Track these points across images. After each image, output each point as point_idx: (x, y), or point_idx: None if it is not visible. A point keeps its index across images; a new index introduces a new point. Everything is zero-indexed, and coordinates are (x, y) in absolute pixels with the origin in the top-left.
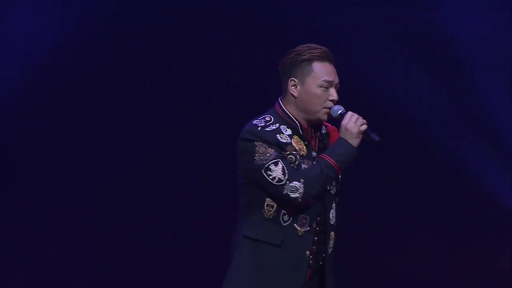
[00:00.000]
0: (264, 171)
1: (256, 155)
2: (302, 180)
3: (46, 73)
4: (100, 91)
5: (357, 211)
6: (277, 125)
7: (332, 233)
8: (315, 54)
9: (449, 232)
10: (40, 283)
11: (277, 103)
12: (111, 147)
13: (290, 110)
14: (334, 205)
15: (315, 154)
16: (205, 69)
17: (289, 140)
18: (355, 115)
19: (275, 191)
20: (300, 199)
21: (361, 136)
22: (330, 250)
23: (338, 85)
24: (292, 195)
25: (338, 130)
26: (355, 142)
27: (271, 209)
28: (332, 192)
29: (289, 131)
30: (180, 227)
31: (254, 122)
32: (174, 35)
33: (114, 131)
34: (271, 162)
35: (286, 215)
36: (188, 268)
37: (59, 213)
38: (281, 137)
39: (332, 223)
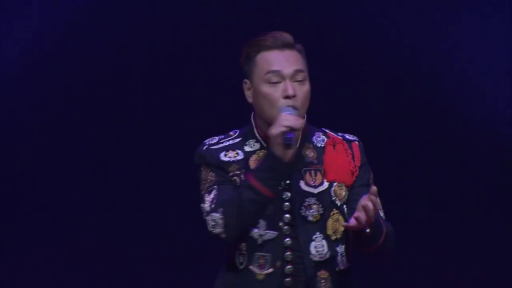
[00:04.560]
0: (201, 204)
1: (200, 183)
2: (221, 209)
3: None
4: (98, 91)
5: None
6: (239, 139)
7: (322, 272)
8: (261, 44)
9: None
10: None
11: (252, 113)
12: (106, 145)
13: (256, 119)
14: (318, 235)
15: None
16: (207, 68)
17: (238, 158)
18: (284, 116)
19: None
20: (224, 235)
21: (279, 141)
22: None
23: (302, 75)
24: (215, 231)
25: (348, 141)
26: (277, 150)
27: (230, 249)
28: (311, 218)
29: (256, 146)
30: (179, 228)
31: (206, 140)
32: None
33: (111, 130)
34: (207, 191)
35: (241, 256)
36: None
37: (52, 213)
38: (226, 155)
39: (317, 259)
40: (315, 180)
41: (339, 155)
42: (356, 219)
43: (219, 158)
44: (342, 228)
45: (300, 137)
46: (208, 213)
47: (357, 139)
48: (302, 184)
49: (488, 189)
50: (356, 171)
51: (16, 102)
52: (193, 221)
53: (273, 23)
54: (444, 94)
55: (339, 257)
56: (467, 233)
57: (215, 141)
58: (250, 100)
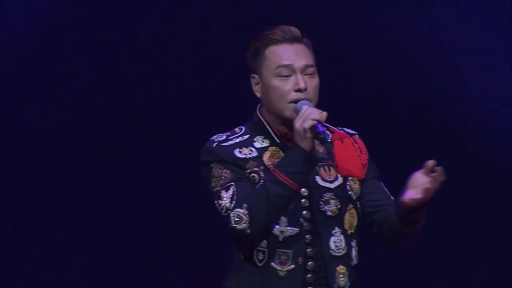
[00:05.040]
0: (217, 200)
1: (212, 180)
2: (245, 205)
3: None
4: (97, 90)
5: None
6: (247, 136)
7: (340, 267)
8: (269, 38)
9: None
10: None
11: (257, 109)
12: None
13: (265, 115)
14: (337, 230)
15: None
16: (207, 66)
17: (253, 155)
18: (309, 109)
19: (226, 224)
20: (249, 231)
21: (309, 135)
22: None
23: (311, 69)
24: (238, 226)
25: (351, 135)
26: (304, 144)
27: (247, 246)
28: (330, 213)
29: (266, 143)
30: (181, 228)
31: (213, 137)
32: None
33: (110, 130)
34: (223, 187)
35: (261, 252)
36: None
37: (51, 213)
38: (241, 152)
39: (336, 254)
40: (330, 175)
41: (348, 149)
42: (427, 191)
43: (234, 155)
44: (356, 223)
45: None
46: (230, 209)
47: (357, 133)
48: (318, 179)
49: (487, 190)
50: (367, 164)
51: (16, 102)
52: (194, 222)
53: (271, 23)
54: (445, 94)
55: (353, 252)
56: (465, 234)
57: (223, 138)
58: (258, 94)
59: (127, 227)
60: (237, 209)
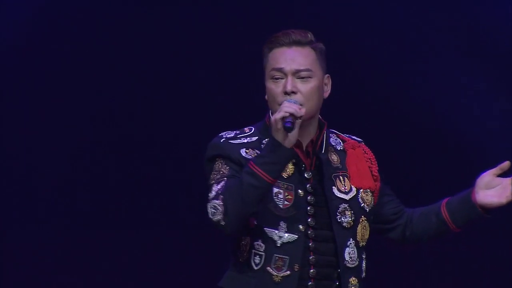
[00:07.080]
0: (208, 193)
1: (211, 173)
2: (221, 196)
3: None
4: (98, 89)
5: None
6: (255, 138)
7: (353, 279)
8: (274, 41)
9: None
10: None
11: (269, 111)
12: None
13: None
14: (351, 241)
15: (310, 175)
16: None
17: None
18: (286, 103)
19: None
20: (223, 222)
21: (280, 126)
22: None
23: (305, 73)
24: (214, 218)
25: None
26: (277, 135)
27: (245, 249)
28: (346, 224)
29: None
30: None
31: (222, 133)
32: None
33: (111, 128)
34: (216, 181)
35: (258, 256)
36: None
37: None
38: (247, 153)
39: (350, 266)
40: (345, 186)
41: (360, 159)
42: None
43: (240, 154)
44: (367, 235)
45: (322, 138)
46: (209, 200)
47: (363, 141)
48: (335, 190)
49: None
50: (378, 176)
51: (15, 101)
52: (192, 221)
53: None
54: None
55: (363, 265)
56: (464, 235)
57: (232, 135)
58: (266, 96)
59: (126, 227)
60: (214, 201)
